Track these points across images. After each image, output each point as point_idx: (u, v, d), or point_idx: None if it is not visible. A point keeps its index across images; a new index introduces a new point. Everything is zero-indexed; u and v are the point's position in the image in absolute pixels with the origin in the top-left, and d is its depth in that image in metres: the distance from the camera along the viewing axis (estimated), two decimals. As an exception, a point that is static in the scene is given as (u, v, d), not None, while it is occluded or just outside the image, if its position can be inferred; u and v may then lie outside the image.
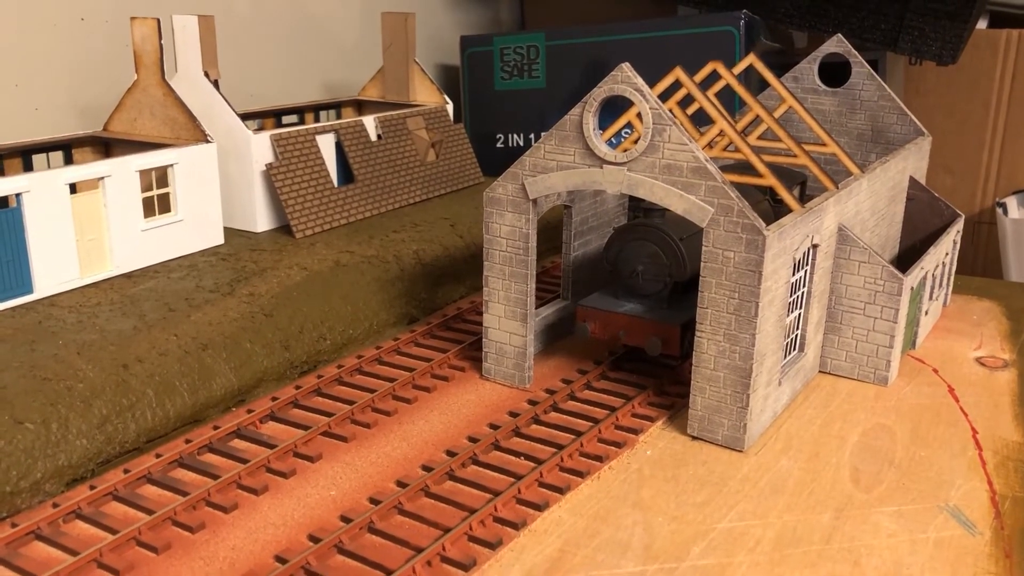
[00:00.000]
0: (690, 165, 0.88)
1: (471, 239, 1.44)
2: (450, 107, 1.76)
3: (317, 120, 1.69)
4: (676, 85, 1.08)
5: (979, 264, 2.18)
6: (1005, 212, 2.03)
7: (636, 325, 1.04)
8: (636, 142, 0.96)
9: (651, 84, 1.04)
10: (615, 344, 1.11)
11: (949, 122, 2.17)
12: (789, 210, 0.97)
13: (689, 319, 1.02)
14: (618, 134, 1.06)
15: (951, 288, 1.35)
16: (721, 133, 1.06)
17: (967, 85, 2.14)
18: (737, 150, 1.02)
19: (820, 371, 1.11)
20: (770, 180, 0.98)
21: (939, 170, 2.19)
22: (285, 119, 1.63)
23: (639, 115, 0.90)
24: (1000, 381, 1.09)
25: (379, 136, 1.57)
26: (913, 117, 1.38)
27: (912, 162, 1.33)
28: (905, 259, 1.30)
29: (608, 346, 1.14)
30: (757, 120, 1.21)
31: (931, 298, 1.21)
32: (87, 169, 1.14)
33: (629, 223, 1.11)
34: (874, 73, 1.39)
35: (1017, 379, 1.10)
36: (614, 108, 0.95)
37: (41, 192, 1.08)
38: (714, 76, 1.17)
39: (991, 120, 2.16)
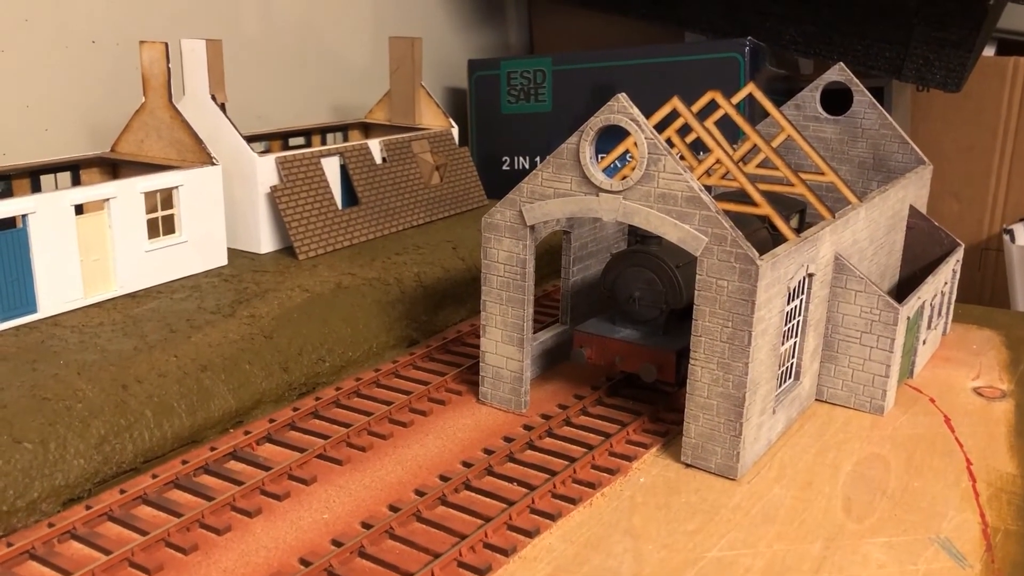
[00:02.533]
0: (684, 195, 0.89)
1: (473, 262, 1.45)
2: (455, 130, 1.78)
3: (324, 142, 1.71)
4: (676, 113, 1.09)
5: (987, 291, 2.17)
6: (1012, 239, 2.03)
7: (632, 351, 1.05)
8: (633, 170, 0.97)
9: (654, 109, 1.05)
10: (612, 370, 1.12)
11: (956, 149, 2.17)
12: (780, 238, 0.98)
13: (685, 346, 1.02)
14: (622, 158, 1.07)
15: (951, 317, 1.35)
16: (718, 162, 1.07)
17: (974, 112, 2.14)
18: (734, 179, 1.02)
19: (817, 399, 1.11)
20: (766, 209, 0.98)
21: (946, 196, 2.19)
22: (292, 141, 1.65)
23: (636, 143, 0.91)
24: (997, 412, 1.09)
25: (384, 159, 1.59)
26: (914, 146, 1.39)
27: (912, 191, 1.33)
28: (905, 287, 1.30)
29: (605, 372, 1.14)
30: (756, 148, 1.22)
31: (930, 327, 1.21)
32: (92, 191, 1.16)
33: (626, 250, 1.12)
34: (876, 102, 1.39)
35: (1014, 410, 1.09)
36: (617, 133, 0.96)
37: (47, 213, 1.10)
38: (714, 104, 1.18)
39: (998, 147, 2.16)
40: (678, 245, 0.91)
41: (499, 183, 1.92)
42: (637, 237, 1.09)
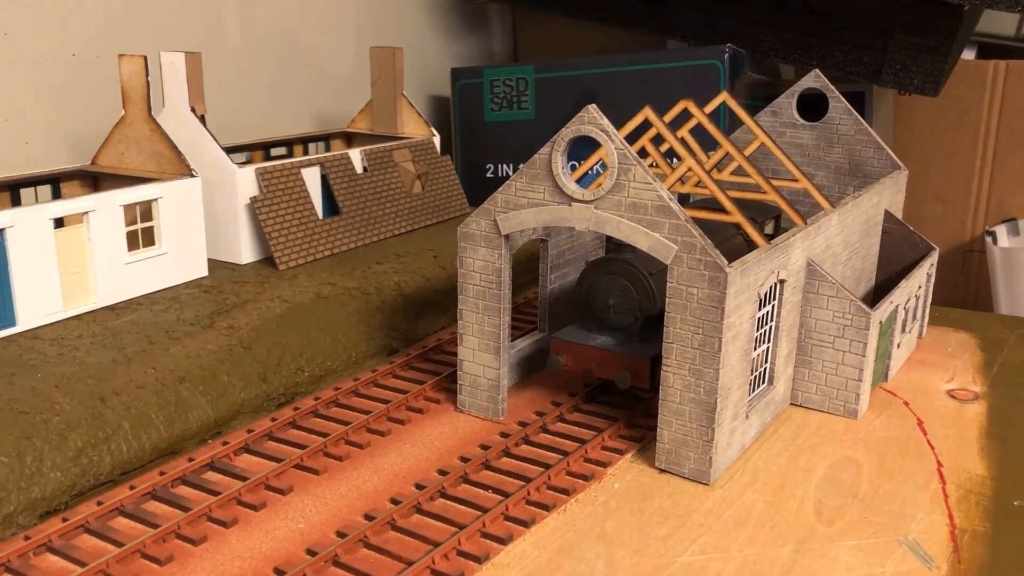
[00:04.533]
0: (654, 203, 0.90)
1: (453, 270, 1.46)
2: (437, 139, 1.79)
3: (306, 152, 1.72)
4: (648, 122, 1.10)
5: (970, 293, 2.19)
6: (995, 241, 2.05)
7: (607, 358, 1.06)
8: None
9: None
10: (588, 377, 1.13)
11: (938, 152, 2.19)
12: (753, 244, 0.99)
13: (659, 352, 1.03)
14: (603, 164, 1.08)
15: (927, 320, 1.36)
16: (691, 170, 1.08)
17: (956, 115, 2.16)
18: (706, 187, 1.03)
19: (791, 403, 1.12)
20: (737, 217, 1.00)
21: (929, 199, 2.20)
22: (274, 151, 1.66)
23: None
24: (969, 414, 1.10)
25: (365, 168, 1.60)
26: (890, 151, 1.40)
27: (888, 195, 1.35)
28: (881, 291, 1.31)
29: (582, 378, 1.15)
30: (730, 156, 1.23)
31: (904, 331, 1.22)
32: (71, 204, 1.17)
33: (601, 258, 1.13)
34: (851, 108, 1.41)
35: (986, 412, 1.11)
36: (595, 142, 0.97)
37: (25, 227, 1.10)
38: (687, 112, 1.19)
39: (980, 149, 2.18)
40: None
41: (483, 191, 1.92)
42: (613, 245, 1.10)
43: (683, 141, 1.15)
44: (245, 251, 1.41)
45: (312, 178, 1.49)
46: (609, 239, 1.27)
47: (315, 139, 1.75)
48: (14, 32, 1.41)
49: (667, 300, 0.92)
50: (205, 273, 1.35)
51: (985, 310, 2.00)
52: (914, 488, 0.93)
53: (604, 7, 2.13)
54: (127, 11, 1.57)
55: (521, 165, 2.01)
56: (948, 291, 2.17)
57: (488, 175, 2.07)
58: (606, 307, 1.08)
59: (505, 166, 2.07)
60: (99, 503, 0.88)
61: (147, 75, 1.29)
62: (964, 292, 2.20)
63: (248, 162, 1.55)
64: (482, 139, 2.07)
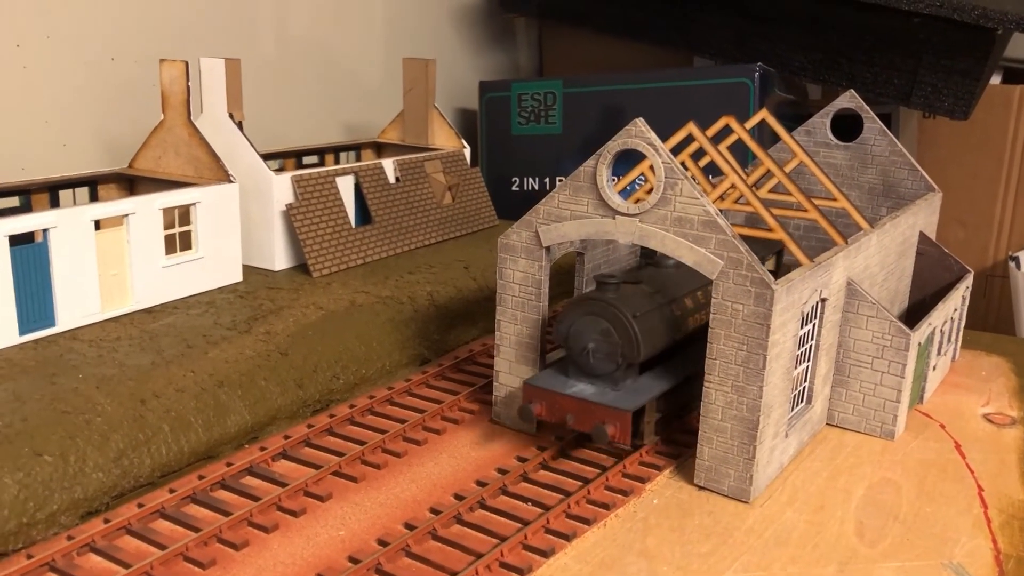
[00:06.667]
0: (701, 219, 0.90)
1: (484, 282, 1.46)
2: (467, 151, 1.79)
3: (337, 161, 1.73)
4: (690, 137, 1.10)
5: (991, 318, 2.18)
6: (1018, 266, 2.04)
7: (584, 409, 0.95)
8: (649, 193, 0.98)
9: (665, 132, 1.06)
10: (563, 429, 1.01)
11: (962, 175, 2.19)
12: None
13: (644, 404, 0.97)
14: (642, 178, 1.08)
15: (960, 343, 1.36)
16: (732, 186, 1.08)
17: (980, 139, 2.16)
18: (748, 203, 1.03)
19: (827, 423, 1.11)
20: (780, 234, 1.00)
21: (952, 223, 2.20)
22: (306, 160, 1.67)
23: (652, 167, 0.93)
24: (1007, 438, 1.10)
25: (397, 179, 1.60)
26: (924, 173, 1.40)
27: (922, 217, 1.35)
28: (914, 313, 1.31)
29: (556, 431, 1.04)
30: (769, 173, 1.23)
31: (939, 353, 1.22)
32: (113, 206, 1.17)
33: (581, 296, 1.02)
34: (886, 129, 1.41)
35: (1024, 437, 1.10)
36: (630, 156, 0.97)
37: (67, 228, 1.11)
38: (727, 129, 1.19)
39: (1004, 174, 2.18)
40: (642, 290, 0.92)
41: (508, 204, 1.94)
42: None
43: (724, 158, 1.15)
44: (279, 257, 1.42)
45: (346, 187, 1.50)
46: (643, 253, 1.27)
47: (346, 148, 1.76)
48: (56, 36, 1.43)
49: (711, 316, 0.92)
50: (240, 279, 1.36)
51: (1007, 335, 2.00)
52: (956, 512, 0.93)
53: (632, 24, 2.14)
54: (165, 18, 1.58)
55: (547, 180, 2.04)
56: (969, 315, 2.16)
57: (514, 188, 2.08)
58: (585, 351, 0.97)
59: (531, 179, 2.07)
60: (140, 505, 0.88)
61: (188, 80, 1.30)
62: (986, 317, 2.20)
63: (281, 170, 1.55)
64: (508, 152, 2.08)
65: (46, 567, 0.79)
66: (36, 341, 1.09)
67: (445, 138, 1.79)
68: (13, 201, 1.23)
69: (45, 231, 1.09)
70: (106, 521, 0.85)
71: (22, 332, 1.08)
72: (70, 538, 0.82)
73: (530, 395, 0.99)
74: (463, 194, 1.74)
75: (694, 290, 1.09)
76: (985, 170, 2.17)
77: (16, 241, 1.07)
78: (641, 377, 1.01)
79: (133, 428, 0.94)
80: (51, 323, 1.11)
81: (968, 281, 1.33)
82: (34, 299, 1.09)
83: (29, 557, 0.79)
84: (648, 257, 1.11)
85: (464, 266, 1.50)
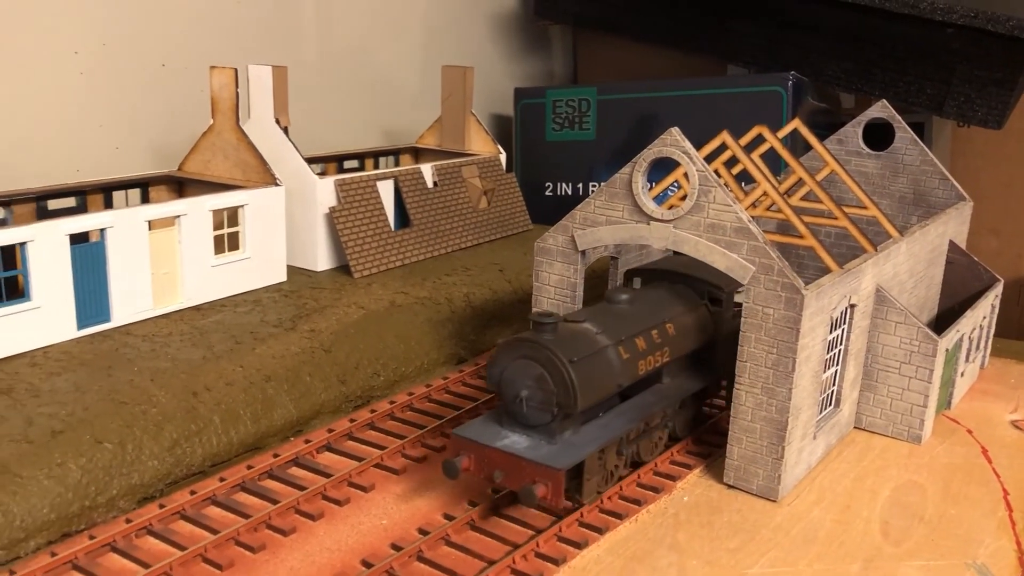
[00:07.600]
0: (733, 225, 0.93)
1: (519, 284, 1.50)
2: (503, 157, 1.83)
3: (376, 166, 1.77)
4: (723, 145, 1.13)
5: (1024, 326, 2.18)
6: (1051, 275, 2.04)
7: (513, 465, 0.86)
8: (683, 199, 1.01)
9: (698, 139, 1.09)
10: (493, 484, 0.90)
11: (996, 185, 2.19)
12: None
13: (582, 460, 0.86)
14: (676, 185, 1.11)
15: (989, 351, 1.37)
16: (765, 194, 1.11)
17: (1014, 148, 2.16)
18: (779, 210, 1.06)
19: (855, 427, 1.14)
20: (811, 241, 1.02)
21: (985, 232, 2.20)
22: (346, 164, 1.72)
23: (686, 174, 0.96)
24: (1034, 444, 1.11)
25: (435, 183, 1.64)
26: (955, 182, 1.42)
27: (953, 226, 1.36)
28: (943, 321, 1.33)
29: (486, 486, 0.94)
30: (801, 181, 1.26)
31: (968, 360, 1.24)
32: (166, 207, 1.22)
33: (514, 337, 0.91)
34: (917, 139, 1.43)
35: (1051, 443, 1.12)
36: (663, 164, 1.00)
37: (123, 228, 1.16)
38: (760, 138, 1.22)
39: (1038, 183, 2.18)
40: (580, 331, 0.90)
41: (542, 208, 1.97)
42: (534, 320, 0.90)
43: (757, 167, 1.18)
44: (321, 258, 1.47)
45: (386, 191, 1.54)
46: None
47: (385, 153, 1.80)
48: (111, 44, 1.48)
49: (743, 320, 0.94)
50: (284, 278, 1.41)
51: (1041, 344, 2.00)
52: (980, 514, 0.95)
53: (666, 31, 2.17)
54: (213, 26, 1.64)
55: (580, 185, 2.07)
56: (1001, 324, 2.16)
57: (547, 193, 2.11)
58: (518, 399, 0.88)
59: (564, 185, 2.10)
60: (192, 492, 0.93)
61: (237, 86, 1.35)
62: (1019, 325, 2.19)
63: (323, 173, 1.60)
64: (542, 158, 2.11)
65: (108, 547, 0.83)
66: (92, 335, 1.14)
67: (481, 144, 1.83)
68: (70, 201, 1.29)
69: (102, 231, 1.15)
70: (161, 506, 0.90)
71: (80, 327, 1.13)
72: (128, 521, 0.87)
73: (457, 447, 0.89)
74: (498, 198, 1.78)
75: (648, 328, 0.98)
76: (1019, 179, 2.17)
77: (75, 240, 1.12)
78: (585, 427, 0.91)
79: (186, 419, 0.99)
80: (106, 318, 1.16)
81: (998, 289, 1.34)
82: (91, 295, 1.14)
83: (91, 538, 0.84)
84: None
85: (499, 269, 1.54)
